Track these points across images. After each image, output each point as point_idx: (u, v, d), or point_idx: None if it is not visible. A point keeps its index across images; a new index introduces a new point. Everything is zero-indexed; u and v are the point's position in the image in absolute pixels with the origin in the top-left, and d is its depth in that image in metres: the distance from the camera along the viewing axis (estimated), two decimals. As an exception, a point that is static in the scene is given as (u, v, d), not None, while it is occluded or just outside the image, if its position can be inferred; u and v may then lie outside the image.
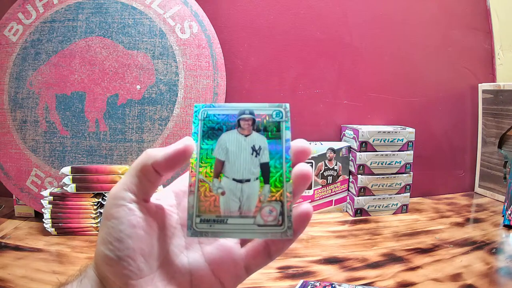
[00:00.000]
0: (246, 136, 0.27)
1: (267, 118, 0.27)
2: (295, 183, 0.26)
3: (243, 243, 0.29)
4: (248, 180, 0.26)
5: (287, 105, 0.27)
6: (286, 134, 0.26)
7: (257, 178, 0.26)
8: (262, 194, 0.26)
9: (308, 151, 0.26)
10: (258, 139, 0.27)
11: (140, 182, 0.26)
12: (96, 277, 0.26)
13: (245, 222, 0.25)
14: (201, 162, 0.26)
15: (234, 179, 0.26)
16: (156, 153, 0.25)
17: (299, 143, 0.26)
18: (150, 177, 0.26)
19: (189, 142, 0.25)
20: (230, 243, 0.28)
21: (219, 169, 0.26)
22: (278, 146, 0.26)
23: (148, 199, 0.27)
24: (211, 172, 0.26)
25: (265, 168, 0.26)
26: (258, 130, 0.27)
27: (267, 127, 0.27)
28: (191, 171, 0.26)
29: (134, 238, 0.25)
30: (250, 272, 0.28)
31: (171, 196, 0.29)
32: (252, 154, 0.26)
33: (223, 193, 0.26)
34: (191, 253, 0.28)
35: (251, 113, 0.27)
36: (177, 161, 0.25)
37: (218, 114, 0.27)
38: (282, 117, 0.27)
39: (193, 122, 0.27)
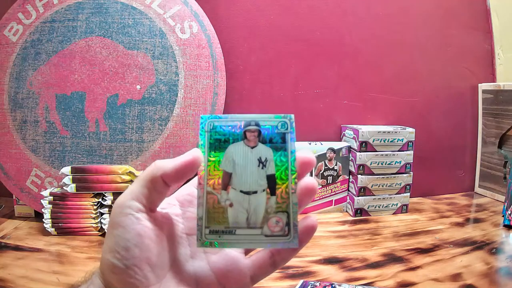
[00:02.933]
0: (252, 147, 0.27)
1: (272, 130, 0.27)
2: (301, 195, 0.26)
3: (247, 252, 0.29)
4: (255, 192, 0.26)
5: (292, 116, 0.28)
6: (292, 145, 0.27)
7: (264, 190, 0.26)
8: (269, 205, 0.26)
9: (313, 163, 0.27)
10: (264, 150, 0.27)
11: (149, 193, 0.26)
12: (102, 284, 0.26)
13: (253, 233, 0.26)
14: (209, 174, 0.27)
15: (241, 191, 0.26)
16: (165, 164, 0.26)
17: (304, 154, 0.27)
18: (159, 188, 0.26)
19: (198, 154, 0.26)
20: (235, 253, 0.29)
21: (226, 181, 0.27)
22: (283, 158, 0.27)
23: (155, 209, 0.27)
24: (219, 184, 0.26)
25: (271, 180, 0.27)
26: (264, 142, 0.27)
27: (273, 138, 0.27)
28: (200, 184, 0.26)
29: (141, 247, 0.25)
30: (255, 281, 0.28)
31: (176, 205, 0.30)
32: (259, 166, 0.27)
33: (231, 205, 0.26)
34: (196, 262, 0.28)
35: (257, 124, 0.27)
36: (185, 173, 0.26)
37: (224, 126, 0.28)
38: (287, 129, 0.27)
39: (199, 134, 0.27)
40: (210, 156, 0.27)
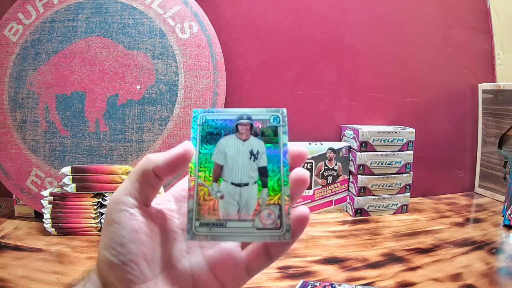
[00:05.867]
0: (244, 140, 0.27)
1: (264, 123, 0.27)
2: (293, 187, 0.26)
3: (243, 245, 0.29)
4: (247, 184, 0.26)
5: (284, 110, 0.28)
6: (284, 138, 0.27)
7: (255, 182, 0.26)
8: (260, 197, 0.26)
9: (305, 156, 0.27)
10: (256, 143, 0.27)
11: (141, 187, 0.26)
12: (99, 281, 0.26)
13: (244, 226, 0.26)
14: (200, 167, 0.26)
15: (232, 183, 0.26)
16: (156, 158, 0.26)
17: (296, 148, 0.27)
18: (151, 182, 0.26)
19: (189, 146, 0.26)
20: (231, 246, 0.28)
21: (218, 173, 0.26)
22: (275, 151, 0.27)
23: (149, 204, 0.27)
24: (210, 176, 0.26)
25: (263, 172, 0.26)
26: (256, 135, 0.27)
27: (265, 132, 0.27)
28: (190, 176, 0.26)
29: (137, 242, 0.25)
30: (251, 274, 0.28)
31: (171, 201, 0.30)
32: (250, 158, 0.27)
33: (222, 197, 0.26)
34: (192, 257, 0.28)
35: (249, 118, 0.27)
36: (177, 165, 0.25)
37: (217, 119, 0.27)
38: (279, 122, 0.27)
39: (191, 127, 0.27)
40: (201, 149, 0.27)
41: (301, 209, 0.26)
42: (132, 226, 0.25)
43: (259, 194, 0.26)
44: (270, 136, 0.27)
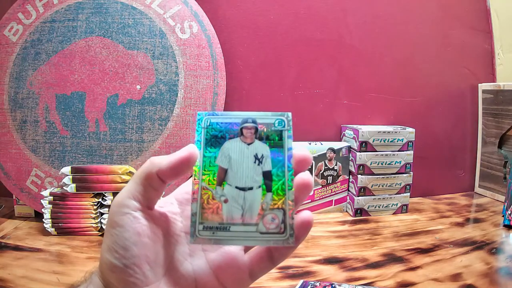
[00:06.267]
0: (248, 144, 0.27)
1: (269, 127, 0.27)
2: (297, 191, 0.26)
3: (246, 249, 0.29)
4: (251, 188, 0.26)
5: (289, 114, 0.27)
6: (288, 142, 0.27)
7: (259, 186, 0.26)
8: (264, 202, 0.26)
9: (309, 160, 0.27)
10: (261, 147, 0.27)
11: (145, 190, 0.26)
12: (101, 283, 0.26)
13: (248, 230, 0.26)
14: (204, 170, 0.26)
15: (237, 187, 0.26)
16: (160, 161, 0.25)
17: (301, 152, 0.27)
18: (155, 185, 0.26)
19: (193, 150, 0.25)
20: (234, 250, 0.28)
21: (222, 177, 0.26)
22: (280, 155, 0.26)
23: (153, 207, 0.27)
24: (214, 179, 0.26)
25: (267, 176, 0.26)
26: (260, 139, 0.27)
27: (270, 135, 0.27)
28: (194, 179, 0.26)
29: (140, 245, 0.25)
30: (254, 277, 0.28)
31: (174, 204, 0.29)
32: (255, 162, 0.27)
33: (225, 201, 0.26)
34: (195, 260, 0.28)
35: (254, 121, 0.27)
36: (181, 169, 0.25)
37: (221, 123, 0.27)
38: (284, 126, 0.27)
39: (196, 130, 0.27)
40: (206, 152, 0.27)
41: (304, 214, 0.26)
42: (135, 229, 0.25)
43: (263, 198, 0.26)
44: (275, 140, 0.27)
